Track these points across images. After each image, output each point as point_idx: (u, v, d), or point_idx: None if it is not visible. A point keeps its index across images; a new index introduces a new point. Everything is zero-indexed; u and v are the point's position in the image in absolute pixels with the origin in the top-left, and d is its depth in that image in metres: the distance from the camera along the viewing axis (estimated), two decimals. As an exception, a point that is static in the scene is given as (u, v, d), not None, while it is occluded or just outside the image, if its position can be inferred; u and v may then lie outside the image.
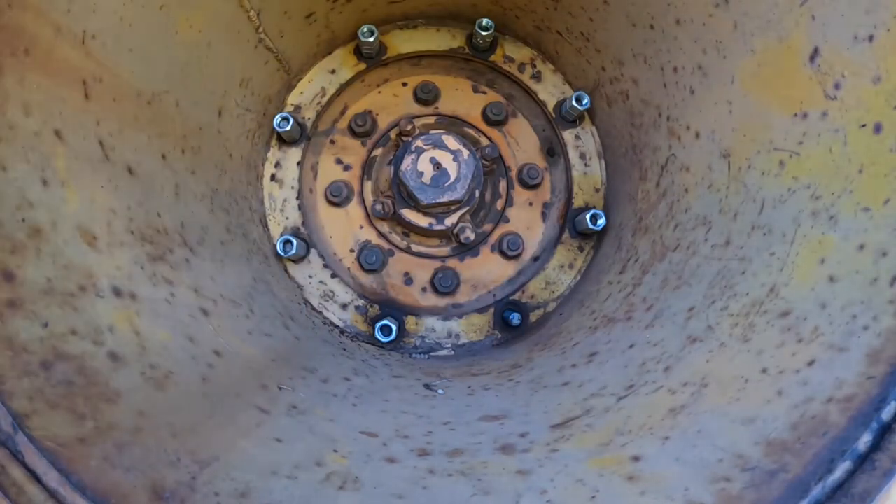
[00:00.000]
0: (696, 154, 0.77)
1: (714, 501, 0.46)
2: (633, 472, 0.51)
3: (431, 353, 0.96)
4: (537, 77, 1.04)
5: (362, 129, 1.00)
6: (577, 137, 1.02)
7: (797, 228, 0.57)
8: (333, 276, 0.97)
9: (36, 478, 0.39)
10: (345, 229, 0.99)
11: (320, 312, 0.95)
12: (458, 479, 0.56)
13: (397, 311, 0.97)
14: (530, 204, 1.01)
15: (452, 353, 0.96)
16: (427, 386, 0.80)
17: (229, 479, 0.48)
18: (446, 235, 0.97)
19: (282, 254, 0.94)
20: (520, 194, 1.01)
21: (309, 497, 0.50)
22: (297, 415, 0.62)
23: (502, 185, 1.01)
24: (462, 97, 1.03)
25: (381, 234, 0.99)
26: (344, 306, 0.96)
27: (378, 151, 1.01)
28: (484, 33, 0.98)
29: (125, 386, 0.49)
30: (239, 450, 0.52)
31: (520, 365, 0.84)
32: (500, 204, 1.01)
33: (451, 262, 0.99)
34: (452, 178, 0.91)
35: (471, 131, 1.03)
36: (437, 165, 0.91)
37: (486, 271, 0.99)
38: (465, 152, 0.92)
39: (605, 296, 0.86)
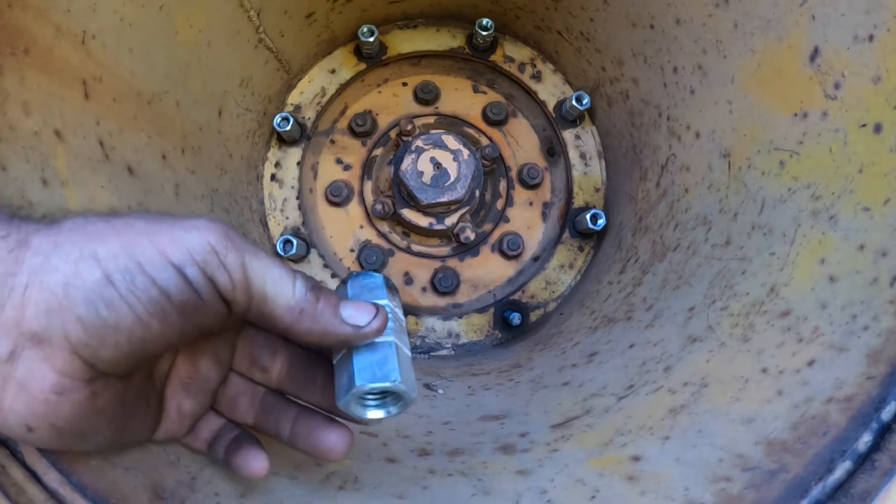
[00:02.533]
0: (696, 154, 0.77)
1: (714, 501, 0.46)
2: (633, 472, 0.51)
3: (431, 353, 0.96)
4: (537, 77, 1.04)
5: (362, 128, 1.00)
6: (578, 137, 1.02)
7: (797, 228, 0.57)
8: (334, 275, 0.97)
9: (36, 478, 0.39)
10: (345, 229, 0.99)
11: (320, 312, 0.95)
12: (459, 479, 0.56)
13: (397, 310, 0.97)
14: (530, 204, 1.01)
15: (452, 352, 0.96)
16: (427, 386, 0.80)
17: (229, 478, 0.48)
18: (446, 235, 0.97)
19: (282, 254, 0.94)
20: (520, 194, 1.01)
21: (309, 497, 0.50)
22: (298, 415, 0.62)
23: (502, 184, 1.01)
24: (462, 97, 1.03)
25: (381, 234, 0.99)
26: (344, 306, 0.96)
27: (378, 151, 1.01)
28: (484, 33, 0.98)
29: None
30: (239, 450, 0.52)
31: (520, 365, 0.84)
32: (500, 204, 1.01)
33: (451, 262, 0.99)
34: (452, 178, 0.91)
35: (471, 131, 1.03)
36: (437, 165, 0.91)
37: (486, 271, 0.99)
38: (466, 152, 0.92)
39: (605, 296, 0.86)
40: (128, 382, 0.39)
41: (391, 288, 0.46)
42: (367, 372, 0.40)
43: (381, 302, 0.44)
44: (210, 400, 0.47)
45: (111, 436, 0.39)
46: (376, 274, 0.46)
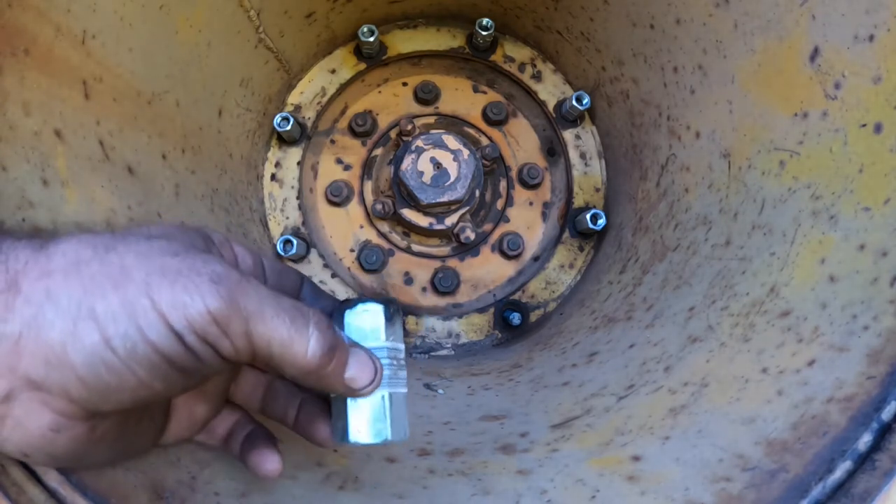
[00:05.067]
0: (696, 154, 0.77)
1: (714, 501, 0.46)
2: (634, 472, 0.51)
3: (431, 353, 0.96)
4: (537, 77, 1.04)
5: (362, 128, 1.00)
6: (578, 137, 1.02)
7: (797, 228, 0.57)
8: (334, 275, 0.97)
9: (36, 478, 0.39)
10: (345, 229, 0.99)
11: (320, 312, 0.95)
12: (459, 478, 0.56)
13: (397, 310, 0.97)
14: (530, 204, 1.01)
15: (453, 352, 0.96)
16: (427, 386, 0.80)
17: (229, 478, 0.48)
18: (446, 235, 0.97)
19: (282, 254, 0.94)
20: (520, 194, 1.01)
21: (309, 497, 0.50)
22: (298, 415, 0.62)
23: (502, 184, 1.01)
24: (462, 97, 1.03)
25: (382, 234, 0.99)
26: (344, 306, 0.96)
27: (378, 151, 1.01)
28: (484, 33, 0.98)
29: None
30: (239, 450, 0.52)
31: (520, 365, 0.84)
32: (500, 204, 1.01)
33: (452, 262, 0.99)
34: (452, 178, 0.91)
35: (471, 131, 1.03)
36: (437, 165, 0.91)
37: (487, 271, 0.99)
38: (466, 152, 0.92)
39: (605, 295, 0.86)
40: (129, 410, 0.38)
41: (391, 319, 0.45)
42: (361, 429, 0.43)
43: (377, 344, 0.43)
44: (223, 401, 0.47)
45: (112, 455, 0.39)
46: (376, 307, 0.44)
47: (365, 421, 0.43)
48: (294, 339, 0.36)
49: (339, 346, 0.39)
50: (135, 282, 0.32)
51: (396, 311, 0.45)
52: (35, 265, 0.33)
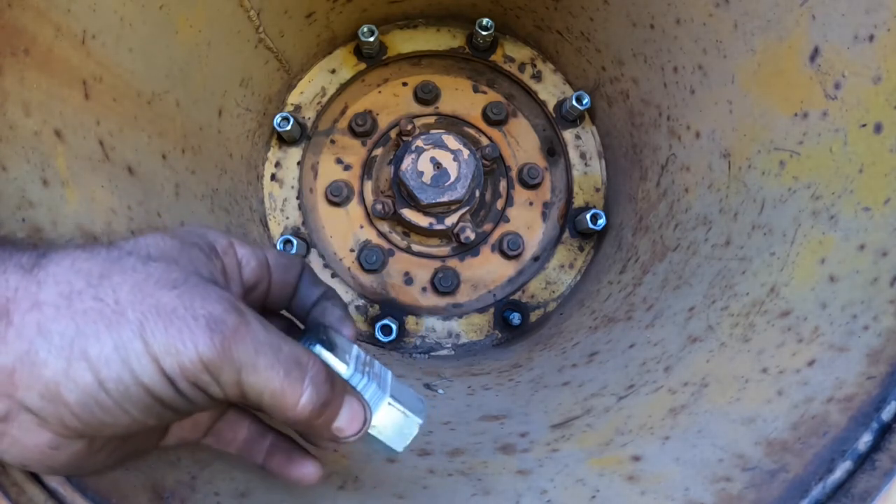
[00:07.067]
0: (696, 154, 0.77)
1: (714, 501, 0.46)
2: (634, 472, 0.51)
3: (432, 353, 0.96)
4: (537, 77, 1.04)
5: (362, 128, 1.00)
6: (578, 137, 1.02)
7: (797, 228, 0.57)
8: (334, 275, 0.97)
9: (36, 478, 0.39)
10: (345, 229, 0.99)
11: (320, 312, 0.95)
12: (459, 478, 0.56)
13: (397, 310, 0.97)
14: (530, 204, 1.01)
15: (453, 352, 0.96)
16: (427, 386, 0.80)
17: (229, 478, 0.48)
18: (446, 235, 0.97)
19: (282, 253, 0.94)
20: (520, 194, 1.01)
21: (309, 497, 0.50)
22: (298, 414, 0.62)
23: (502, 184, 1.01)
24: (462, 97, 1.03)
25: (382, 234, 0.99)
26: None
27: (378, 151, 1.01)
28: (484, 33, 0.98)
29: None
30: (239, 450, 0.52)
31: (520, 365, 0.84)
32: (500, 204, 1.01)
33: (452, 262, 0.99)
34: (453, 178, 0.91)
35: (471, 131, 1.03)
36: (437, 165, 0.91)
37: (487, 271, 0.99)
38: (466, 152, 0.92)
39: (605, 295, 0.86)
40: None
41: (330, 345, 0.44)
42: (397, 438, 0.44)
43: (345, 375, 0.43)
44: (225, 403, 0.46)
45: (113, 461, 0.39)
46: (316, 350, 0.43)
47: (394, 432, 0.44)
48: (286, 392, 0.36)
49: (333, 401, 0.39)
50: (129, 322, 0.32)
51: (324, 330, 0.45)
52: (26, 293, 0.32)
